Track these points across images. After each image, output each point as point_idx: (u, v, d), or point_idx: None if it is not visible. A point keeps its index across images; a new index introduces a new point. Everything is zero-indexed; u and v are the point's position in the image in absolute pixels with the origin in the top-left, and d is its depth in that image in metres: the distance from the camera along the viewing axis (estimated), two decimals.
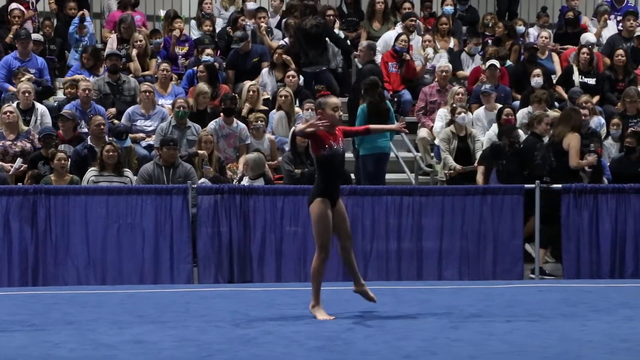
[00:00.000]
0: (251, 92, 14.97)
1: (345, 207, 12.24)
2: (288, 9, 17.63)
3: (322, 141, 9.22)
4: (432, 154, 15.23)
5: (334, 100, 9.41)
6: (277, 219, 12.38)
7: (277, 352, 8.03)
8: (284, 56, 15.84)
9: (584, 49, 16.34)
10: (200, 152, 13.50)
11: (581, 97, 15.21)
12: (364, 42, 15.58)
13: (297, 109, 15.03)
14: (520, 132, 14.71)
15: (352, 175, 14.08)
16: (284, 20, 17.34)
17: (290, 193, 12.47)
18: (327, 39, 16.16)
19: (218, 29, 17.24)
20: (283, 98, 14.88)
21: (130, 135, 14.06)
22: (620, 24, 17.63)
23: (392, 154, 14.78)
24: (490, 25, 17.69)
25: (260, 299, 10.92)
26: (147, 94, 14.57)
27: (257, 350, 8.08)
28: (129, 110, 14.60)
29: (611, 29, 17.94)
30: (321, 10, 17.05)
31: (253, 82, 15.35)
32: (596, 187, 12.98)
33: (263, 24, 16.87)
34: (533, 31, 18.02)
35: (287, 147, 14.33)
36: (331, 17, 16.78)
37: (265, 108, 15.12)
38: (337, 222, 9.47)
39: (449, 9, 17.68)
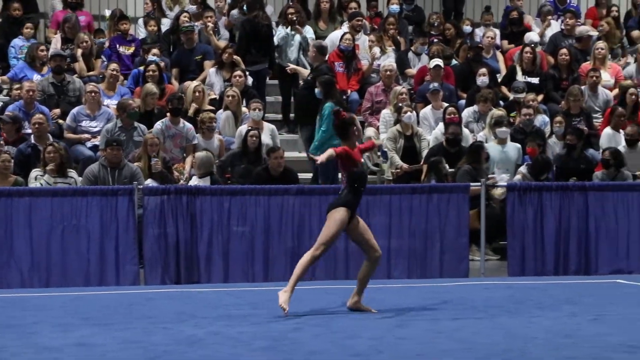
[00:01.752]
0: (197, 93, 14.89)
1: (293, 207, 12.41)
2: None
3: (354, 160, 9.80)
4: (379, 153, 15.23)
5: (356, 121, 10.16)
6: (224, 219, 12.33)
7: (224, 352, 7.98)
8: (235, 57, 15.76)
9: (527, 49, 16.44)
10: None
11: (527, 95, 15.33)
12: (315, 42, 15.55)
13: (244, 109, 14.97)
14: (466, 130, 14.80)
15: (303, 175, 14.04)
16: (231, 11, 17.28)
17: (237, 193, 12.43)
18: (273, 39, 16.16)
19: (164, 29, 17.12)
20: (230, 98, 14.82)
21: (75, 135, 13.93)
22: (563, 24, 17.77)
23: None
24: (436, 24, 17.74)
25: (207, 300, 10.87)
26: (93, 94, 14.44)
27: (203, 351, 8.03)
28: (74, 110, 14.46)
29: (555, 28, 18.07)
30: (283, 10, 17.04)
31: (198, 82, 15.27)
32: (540, 185, 13.10)
33: (209, 24, 16.79)
34: (479, 31, 18.11)
35: (233, 147, 14.27)
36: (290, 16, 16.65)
37: (212, 108, 15.05)
38: (362, 231, 9.90)
39: (395, 7, 17.70)
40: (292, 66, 15.85)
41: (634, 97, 15.49)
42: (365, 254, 9.99)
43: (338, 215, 9.71)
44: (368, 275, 9.93)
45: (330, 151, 9.73)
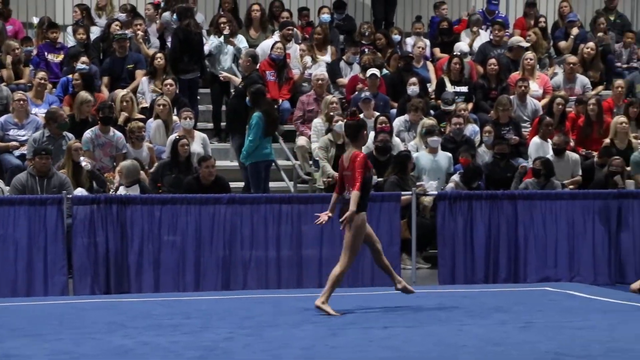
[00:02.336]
0: (124, 102, 14.81)
1: (225, 216, 12.38)
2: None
3: (368, 165, 10.22)
4: (311, 162, 15.28)
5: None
6: (154, 229, 12.25)
7: None
8: (162, 63, 15.70)
9: (455, 59, 16.58)
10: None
11: (457, 105, 15.46)
12: (248, 51, 15.53)
13: (175, 117, 14.91)
14: (397, 139, 14.89)
15: (234, 184, 14.03)
16: (163, 14, 17.21)
17: (168, 202, 12.37)
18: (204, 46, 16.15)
19: (93, 37, 16.98)
20: (161, 107, 14.75)
21: (2, 144, 13.77)
22: (492, 34, 17.97)
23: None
24: (367, 34, 17.82)
25: (137, 310, 10.79)
26: (21, 102, 14.29)
27: None
28: (2, 119, 14.29)
29: (484, 38, 18.26)
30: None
31: (126, 91, 15.18)
32: (470, 194, 13.21)
33: (139, 32, 16.71)
34: (410, 40, 18.23)
35: (164, 155, 14.21)
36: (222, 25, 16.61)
37: (142, 117, 14.97)
38: (368, 231, 10.34)
39: (326, 17, 17.77)
40: (224, 74, 15.85)
41: (560, 106, 15.71)
42: (369, 248, 10.52)
43: (361, 222, 10.12)
44: (386, 262, 10.52)
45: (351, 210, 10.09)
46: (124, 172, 13.12)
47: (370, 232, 10.38)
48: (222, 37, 16.34)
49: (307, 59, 16.61)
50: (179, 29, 16.06)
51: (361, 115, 15.24)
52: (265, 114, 13.67)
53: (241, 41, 16.67)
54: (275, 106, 15.76)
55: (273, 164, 14.37)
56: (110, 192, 13.23)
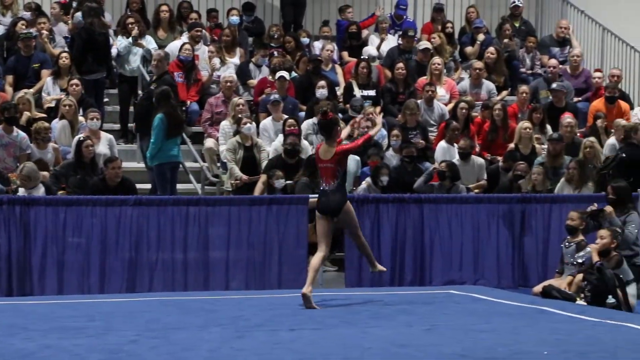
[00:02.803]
0: (22, 104, 14.54)
1: (131, 218, 12.29)
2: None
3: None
4: (219, 164, 15.23)
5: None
6: (59, 230, 12.11)
7: None
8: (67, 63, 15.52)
9: (362, 63, 16.67)
10: None
11: (367, 108, 15.54)
12: (159, 51, 15.40)
13: (80, 118, 14.74)
14: (305, 142, 14.91)
15: (141, 186, 13.91)
16: (75, 14, 17.00)
17: (73, 203, 12.25)
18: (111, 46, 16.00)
19: None
20: (67, 107, 14.56)
21: None
22: (400, 39, 18.10)
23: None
24: (276, 36, 17.82)
25: (40, 312, 10.63)
26: None
27: None
28: None
29: (392, 42, 18.39)
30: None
31: (23, 91, 14.90)
32: (377, 197, 13.30)
33: (44, 31, 16.46)
34: (318, 44, 18.27)
35: (70, 156, 14.04)
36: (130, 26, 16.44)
37: (45, 116, 14.75)
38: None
39: (235, 19, 17.72)
40: None
41: (464, 111, 15.85)
42: (350, 235, 11.45)
43: (351, 207, 11.13)
44: (364, 245, 11.32)
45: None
46: (23, 176, 12.83)
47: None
48: (131, 38, 16.20)
49: (216, 61, 16.56)
50: (83, 28, 15.88)
51: (269, 118, 15.38)
52: (168, 115, 13.53)
53: (150, 42, 16.55)
54: (184, 108, 15.70)
55: (180, 165, 14.27)
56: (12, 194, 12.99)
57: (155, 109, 13.71)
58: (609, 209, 12.44)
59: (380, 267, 11.48)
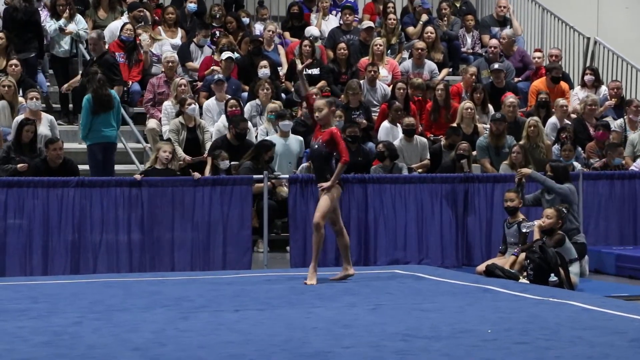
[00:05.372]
0: None
1: (74, 199, 12.21)
2: None
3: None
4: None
5: (316, 103, 11.04)
6: (0, 212, 12.00)
7: (0, 349, 7.73)
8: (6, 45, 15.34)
9: (305, 42, 16.66)
10: None
11: (310, 89, 15.49)
12: (92, 33, 15.26)
13: (20, 98, 14.59)
14: (249, 123, 14.89)
15: (83, 167, 13.79)
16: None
17: (14, 185, 12.15)
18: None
19: None
20: (6, 88, 14.41)
21: None
22: (341, 19, 18.12)
23: (120, 145, 14.62)
24: (217, 16, 17.74)
25: None
26: None
27: None
28: None
29: (333, 22, 18.40)
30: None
31: None
32: None
33: None
34: (259, 25, 18.22)
35: (9, 138, 13.89)
36: (61, 8, 16.26)
37: None
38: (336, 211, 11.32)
39: (192, 6, 17.68)
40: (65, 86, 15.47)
41: (402, 91, 15.87)
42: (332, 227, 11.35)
43: (338, 192, 11.17)
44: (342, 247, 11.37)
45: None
46: None
47: (337, 212, 11.19)
48: (61, 21, 15.98)
49: (144, 37, 16.38)
50: (5, 9, 15.73)
51: (213, 99, 15.32)
52: (94, 94, 13.42)
53: (79, 22, 16.26)
54: (125, 88, 15.59)
55: (115, 146, 14.05)
56: None
57: (85, 89, 13.63)
58: (524, 170, 12.71)
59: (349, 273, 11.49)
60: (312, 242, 11.17)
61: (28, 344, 7.91)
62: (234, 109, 14.74)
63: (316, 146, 11.05)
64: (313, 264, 11.11)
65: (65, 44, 16.02)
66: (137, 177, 12.70)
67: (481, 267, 12.35)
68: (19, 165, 12.97)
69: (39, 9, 16.62)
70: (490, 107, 16.21)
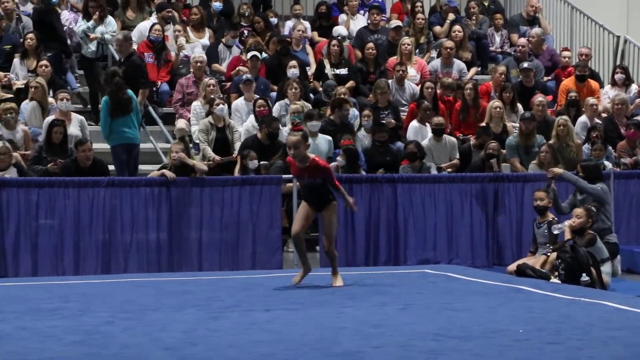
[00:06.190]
0: None
1: (104, 199, 12.30)
2: None
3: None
4: (191, 145, 15.19)
5: (288, 139, 10.52)
6: (32, 212, 12.13)
7: (33, 348, 7.78)
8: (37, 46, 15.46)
9: (334, 42, 16.69)
10: None
11: (337, 88, 15.57)
12: (119, 34, 15.34)
13: (50, 99, 14.68)
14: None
15: (113, 167, 13.87)
16: None
17: (45, 185, 12.27)
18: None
19: None
20: (35, 89, 14.51)
21: None
22: (369, 19, 18.13)
23: (150, 145, 14.72)
24: (246, 14, 17.80)
25: (14, 294, 10.58)
26: None
27: (11, 347, 7.80)
28: None
29: (361, 22, 18.42)
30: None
31: None
32: (350, 177, 13.34)
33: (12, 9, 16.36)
34: (290, 23, 18.27)
35: (40, 138, 13.99)
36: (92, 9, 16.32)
37: (11, 96, 14.68)
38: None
39: (217, 5, 17.73)
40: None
41: (430, 90, 15.88)
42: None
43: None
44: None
45: None
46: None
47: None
48: (90, 23, 16.05)
49: (181, 40, 16.48)
50: (34, 9, 15.79)
51: (241, 99, 15.39)
52: (111, 95, 13.50)
53: (109, 24, 16.32)
54: (154, 89, 15.68)
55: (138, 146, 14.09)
56: None
57: (103, 90, 13.71)
58: (556, 170, 12.67)
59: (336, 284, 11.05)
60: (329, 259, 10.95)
61: (60, 343, 7.96)
62: (262, 108, 14.79)
63: (307, 182, 10.57)
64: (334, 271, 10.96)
65: (92, 44, 16.12)
66: (169, 175, 12.74)
67: (512, 267, 12.34)
68: (48, 165, 13.07)
69: (65, 10, 16.74)
70: (520, 106, 16.18)
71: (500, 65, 17.18)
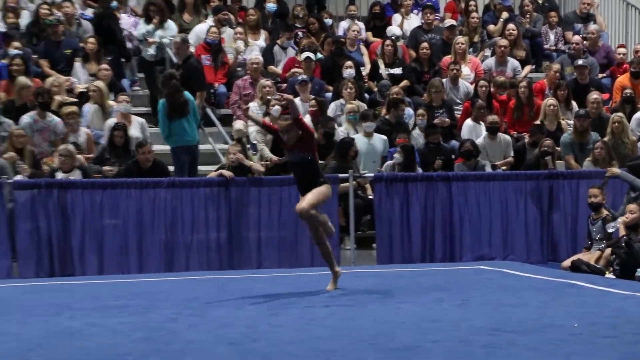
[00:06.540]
0: (55, 87, 14.79)
1: (165, 200, 12.50)
2: None
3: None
4: (249, 146, 15.37)
5: (280, 124, 10.36)
6: (96, 212, 12.36)
7: (102, 344, 7.99)
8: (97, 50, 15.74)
9: (388, 42, 16.77)
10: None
11: (392, 88, 15.65)
12: (177, 37, 15.56)
13: (111, 102, 14.92)
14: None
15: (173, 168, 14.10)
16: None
17: (108, 186, 12.48)
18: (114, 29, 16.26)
19: (24, 21, 16.81)
20: (96, 92, 14.76)
21: None
22: (423, 18, 18.18)
23: (208, 146, 14.90)
24: (300, 16, 17.91)
25: (82, 292, 10.84)
26: None
27: (81, 343, 8.02)
28: None
29: (415, 22, 18.46)
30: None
31: (54, 77, 15.12)
32: (406, 176, 13.43)
33: (69, 14, 16.61)
34: (344, 24, 18.35)
35: (102, 140, 14.25)
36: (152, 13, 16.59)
37: (76, 100, 14.96)
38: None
39: (272, 5, 17.89)
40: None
41: (484, 89, 15.91)
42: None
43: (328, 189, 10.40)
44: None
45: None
46: (60, 157, 13.10)
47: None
48: (150, 26, 16.29)
49: (239, 44, 16.67)
50: (94, 14, 16.16)
51: (297, 99, 15.53)
52: (168, 97, 13.70)
53: (168, 27, 16.50)
54: (211, 91, 15.87)
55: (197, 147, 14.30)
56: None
57: (161, 93, 13.91)
58: (614, 169, 12.66)
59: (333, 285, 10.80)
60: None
61: (129, 339, 8.17)
62: (312, 109, 14.93)
63: (298, 157, 10.29)
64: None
65: (151, 48, 16.33)
66: (227, 173, 12.94)
67: (567, 263, 12.37)
68: (104, 168, 13.29)
69: (124, 14, 17.01)
70: (574, 103, 16.14)
71: (555, 63, 17.17)
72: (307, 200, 10.19)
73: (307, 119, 15.05)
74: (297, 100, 15.57)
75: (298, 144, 10.27)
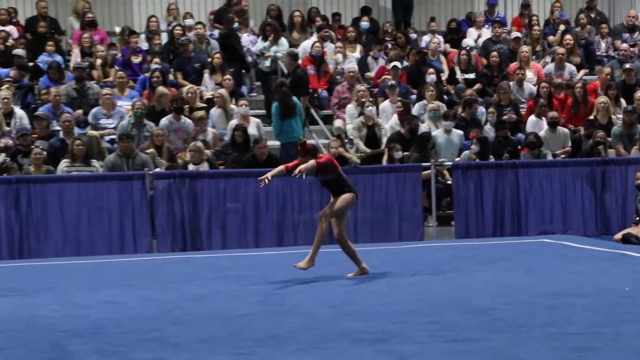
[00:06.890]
0: (189, 94, 14.92)
1: (277, 187, 12.43)
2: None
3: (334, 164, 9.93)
4: (347, 140, 15.27)
5: (301, 170, 9.54)
6: (220, 198, 12.40)
7: (225, 307, 8.02)
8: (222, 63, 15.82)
9: (463, 52, 16.61)
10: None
11: (467, 90, 15.45)
12: (287, 51, 15.53)
13: (232, 106, 14.99)
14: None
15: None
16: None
17: (231, 176, 12.54)
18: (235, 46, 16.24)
19: (163, 41, 17.01)
20: (220, 98, 14.84)
21: (96, 131, 13.93)
22: (492, 31, 17.93)
23: (313, 141, 14.82)
24: (389, 31, 17.82)
25: (209, 264, 10.91)
26: (108, 97, 14.40)
27: (208, 307, 8.06)
28: (93, 110, 14.40)
29: (486, 34, 18.22)
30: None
31: (189, 86, 15.24)
32: (480, 164, 13.26)
33: (199, 34, 16.73)
34: (426, 38, 18.19)
35: (226, 138, 14.30)
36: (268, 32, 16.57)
37: (205, 105, 15.04)
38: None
39: (365, 24, 17.84)
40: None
41: (545, 89, 15.64)
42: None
43: (351, 197, 9.87)
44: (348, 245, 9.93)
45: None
46: (191, 152, 13.18)
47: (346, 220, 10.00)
48: (267, 43, 16.30)
49: (338, 56, 16.60)
50: (219, 34, 16.31)
51: (387, 101, 15.40)
52: (280, 102, 13.66)
53: (281, 44, 16.47)
54: (315, 95, 15.83)
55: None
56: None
57: (274, 97, 13.91)
58: None
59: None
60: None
61: (246, 303, 8.21)
62: (399, 109, 14.80)
63: (324, 178, 9.83)
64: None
65: (267, 61, 16.36)
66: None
67: (618, 236, 12.06)
68: (220, 162, 13.30)
69: (246, 33, 17.05)
70: (623, 101, 15.75)
71: (606, 67, 16.76)
72: (330, 206, 9.80)
73: (395, 118, 14.90)
74: (386, 103, 15.45)
75: (321, 172, 9.80)
